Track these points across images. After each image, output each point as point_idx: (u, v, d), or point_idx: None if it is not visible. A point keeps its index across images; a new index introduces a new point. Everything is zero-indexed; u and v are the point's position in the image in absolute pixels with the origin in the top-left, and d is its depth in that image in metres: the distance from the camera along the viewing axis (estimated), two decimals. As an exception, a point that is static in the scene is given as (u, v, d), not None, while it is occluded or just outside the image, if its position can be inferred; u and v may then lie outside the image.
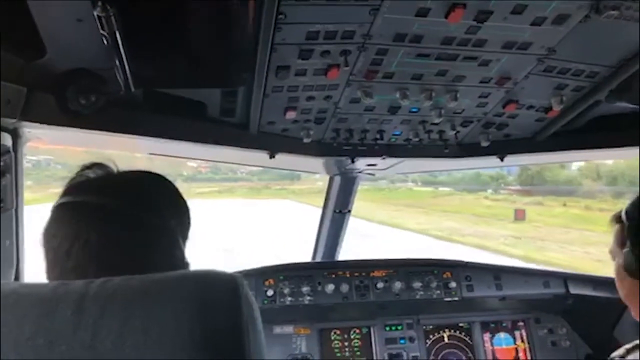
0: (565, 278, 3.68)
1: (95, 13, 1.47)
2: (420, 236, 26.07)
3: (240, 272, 3.40)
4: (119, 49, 1.64)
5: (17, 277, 2.08)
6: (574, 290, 3.63)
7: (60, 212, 1.23)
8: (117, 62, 1.71)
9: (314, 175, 3.93)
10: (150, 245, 1.24)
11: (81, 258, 1.16)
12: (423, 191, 44.02)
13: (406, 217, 33.45)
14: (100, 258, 1.16)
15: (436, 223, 30.50)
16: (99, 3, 1.46)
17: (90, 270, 1.14)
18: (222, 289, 1.02)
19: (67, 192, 1.28)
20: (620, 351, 1.96)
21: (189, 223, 1.38)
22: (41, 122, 1.95)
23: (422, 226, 29.31)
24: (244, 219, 30.10)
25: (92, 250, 1.17)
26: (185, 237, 1.35)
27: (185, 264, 1.31)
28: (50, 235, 1.22)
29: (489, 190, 40.18)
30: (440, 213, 35.12)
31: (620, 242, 1.88)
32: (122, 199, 1.24)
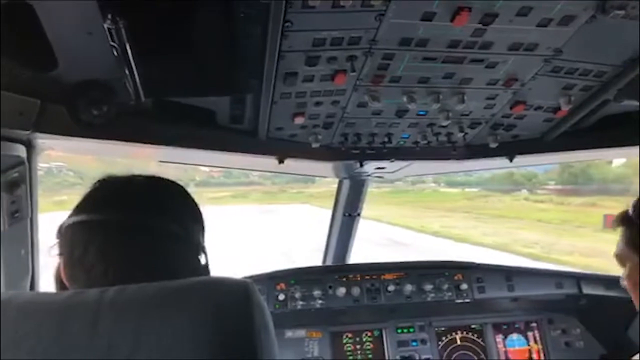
0: (578, 278, 3.65)
1: (105, 26, 1.50)
2: (507, 255, 19.45)
3: (251, 277, 3.45)
4: (129, 60, 1.67)
5: (32, 286, 2.12)
6: (587, 290, 3.61)
7: (78, 230, 1.22)
8: (127, 73, 1.73)
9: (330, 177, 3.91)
10: (174, 255, 1.25)
11: (104, 278, 1.16)
12: (451, 193, 40.87)
13: (461, 226, 27.99)
14: (123, 274, 1.16)
15: (508, 234, 25.03)
16: (109, 16, 1.48)
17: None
18: (233, 296, 1.04)
19: (83, 209, 1.26)
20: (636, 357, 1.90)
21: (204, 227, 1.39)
22: (54, 133, 1.98)
23: (495, 239, 23.37)
24: (265, 231, 25.06)
25: (116, 269, 1.17)
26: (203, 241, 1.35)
27: (207, 271, 1.31)
28: (69, 251, 1.22)
29: (523, 190, 36.56)
30: (497, 219, 29.98)
31: (634, 245, 1.79)
32: (140, 211, 1.24)
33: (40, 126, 1.92)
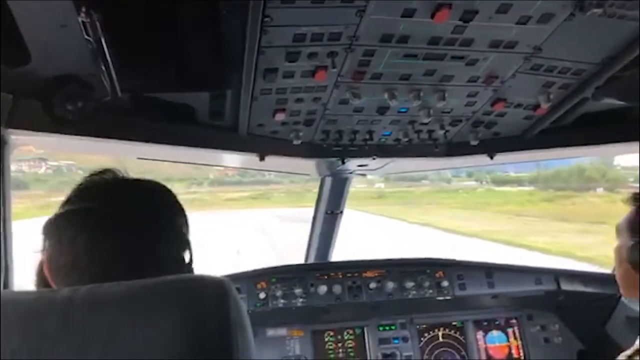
0: (557, 274, 3.70)
1: (79, 19, 1.46)
2: None
3: (232, 275, 3.42)
4: (105, 54, 1.63)
5: (6, 285, 2.07)
6: (565, 286, 3.65)
7: (67, 218, 1.22)
8: (103, 68, 1.70)
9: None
10: (160, 245, 1.25)
11: (91, 265, 1.16)
12: (511, 192, 36.19)
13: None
14: (111, 263, 1.16)
15: None
16: (83, 8, 1.45)
17: (97, 275, 1.13)
18: (210, 294, 1.02)
19: (72, 200, 1.27)
20: (622, 357, 1.96)
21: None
22: (28, 129, 1.94)
23: None
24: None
25: (104, 257, 1.17)
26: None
27: (191, 266, 1.31)
28: (57, 240, 1.20)
29: (599, 189, 31.39)
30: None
31: (632, 228, 1.89)
32: (128, 202, 1.25)
33: (13, 122, 1.87)
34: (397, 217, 28.79)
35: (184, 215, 1.36)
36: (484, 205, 33.51)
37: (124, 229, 1.20)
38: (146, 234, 1.22)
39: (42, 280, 1.24)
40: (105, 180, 1.33)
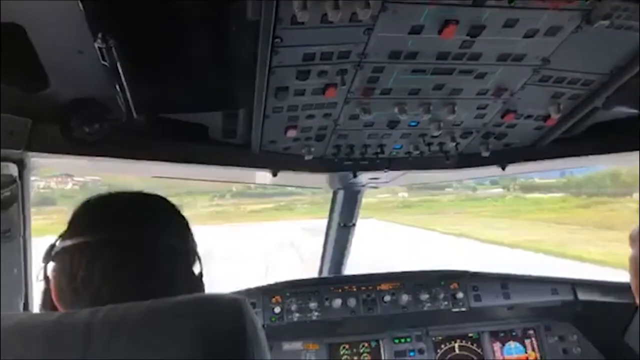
0: (573, 284, 3.66)
1: (95, 45, 1.51)
2: None
3: (247, 290, 3.43)
4: (120, 77, 1.67)
5: (26, 305, 2.11)
6: (582, 296, 3.61)
7: (80, 252, 1.20)
8: (118, 90, 1.74)
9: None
10: (176, 269, 1.25)
11: (111, 299, 1.14)
12: (543, 199, 35.36)
13: None
14: (131, 294, 1.14)
15: None
16: (99, 35, 1.50)
17: (110, 298, 1.12)
18: (226, 313, 1.04)
19: (79, 231, 1.24)
20: None
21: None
22: (46, 152, 1.99)
23: None
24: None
25: (123, 289, 1.17)
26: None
27: (201, 280, 1.32)
28: (70, 275, 1.19)
29: (635, 194, 28.52)
30: None
31: None
32: (139, 228, 1.25)
33: (33, 145, 1.92)
34: (428, 227, 28.11)
35: (189, 228, 1.36)
36: (515, 213, 32.69)
37: (132, 250, 1.20)
38: (153, 251, 1.23)
39: (48, 303, 1.25)
40: (108, 203, 1.32)
